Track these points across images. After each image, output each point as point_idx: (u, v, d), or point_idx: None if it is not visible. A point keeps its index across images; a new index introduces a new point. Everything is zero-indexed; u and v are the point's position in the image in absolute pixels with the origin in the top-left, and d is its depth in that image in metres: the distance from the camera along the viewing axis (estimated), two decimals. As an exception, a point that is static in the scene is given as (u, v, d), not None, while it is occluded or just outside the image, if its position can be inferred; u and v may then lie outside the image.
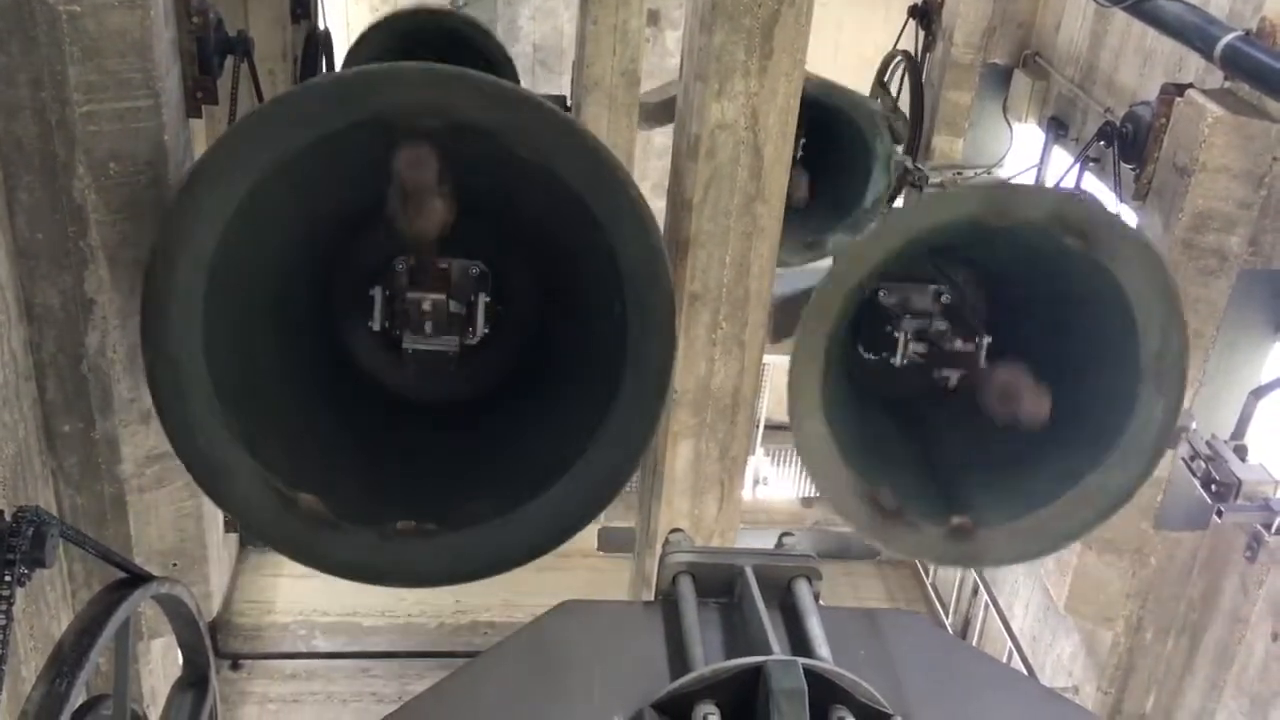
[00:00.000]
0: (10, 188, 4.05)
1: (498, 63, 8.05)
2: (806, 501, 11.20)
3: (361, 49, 7.83)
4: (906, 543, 4.97)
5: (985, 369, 4.56)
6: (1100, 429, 4.87)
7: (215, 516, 5.23)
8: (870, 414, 5.46)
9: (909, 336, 5.24)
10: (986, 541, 4.90)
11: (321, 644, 9.06)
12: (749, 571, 2.54)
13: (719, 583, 2.60)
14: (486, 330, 4.54)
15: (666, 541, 2.71)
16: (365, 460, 4.47)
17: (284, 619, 9.18)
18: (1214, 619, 6.03)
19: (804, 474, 11.09)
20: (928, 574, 9.88)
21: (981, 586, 8.34)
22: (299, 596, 9.31)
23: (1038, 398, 4.23)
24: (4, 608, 2.73)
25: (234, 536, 8.33)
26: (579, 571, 9.36)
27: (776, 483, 11.06)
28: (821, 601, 2.57)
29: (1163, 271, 4.75)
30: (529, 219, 4.45)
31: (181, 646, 3.49)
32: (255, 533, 4.08)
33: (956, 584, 9.12)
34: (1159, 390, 4.73)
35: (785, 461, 11.13)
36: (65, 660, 2.66)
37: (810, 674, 2.06)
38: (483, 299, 4.51)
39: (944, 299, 5.25)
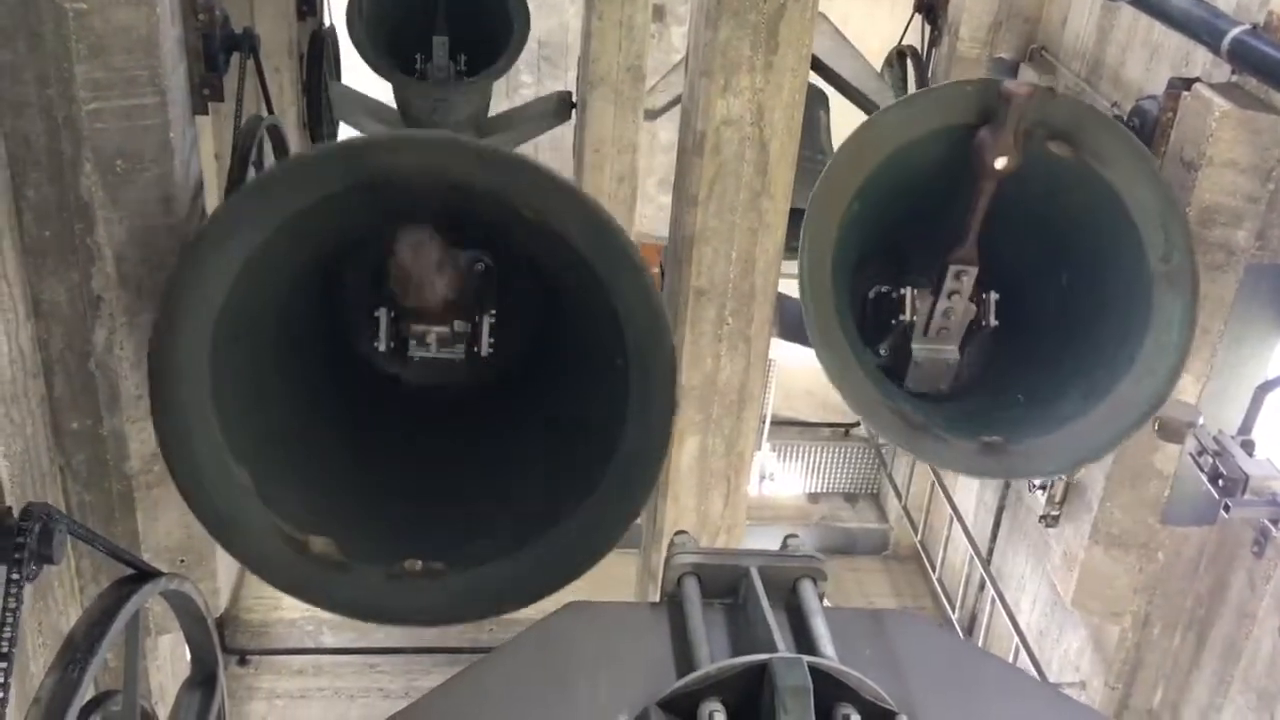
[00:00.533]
0: (18, 185, 4.06)
1: None
2: (813, 497, 11.21)
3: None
4: (938, 454, 4.94)
5: None
6: (1121, 340, 4.85)
7: (222, 513, 5.23)
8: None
9: (914, 339, 5.25)
10: (1020, 455, 4.88)
11: (329, 640, 9.06)
12: (754, 572, 2.54)
13: (724, 584, 2.59)
14: (491, 348, 4.54)
15: (672, 543, 2.70)
16: (373, 499, 4.46)
17: (291, 615, 9.17)
18: (1221, 614, 6.03)
19: (810, 470, 11.12)
20: (934, 569, 9.86)
21: (988, 582, 8.32)
22: (306, 592, 9.31)
23: None
24: (12, 604, 2.75)
25: (241, 532, 8.33)
26: (585, 566, 9.36)
27: (783, 478, 11.06)
28: (827, 602, 2.57)
29: (1153, 168, 4.72)
30: (532, 265, 4.47)
31: (189, 643, 3.50)
32: (266, 579, 4.07)
33: (963, 579, 9.10)
34: (1173, 290, 4.71)
35: (791, 457, 11.12)
36: (77, 649, 2.67)
37: (815, 672, 2.05)
38: (488, 320, 4.52)
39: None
